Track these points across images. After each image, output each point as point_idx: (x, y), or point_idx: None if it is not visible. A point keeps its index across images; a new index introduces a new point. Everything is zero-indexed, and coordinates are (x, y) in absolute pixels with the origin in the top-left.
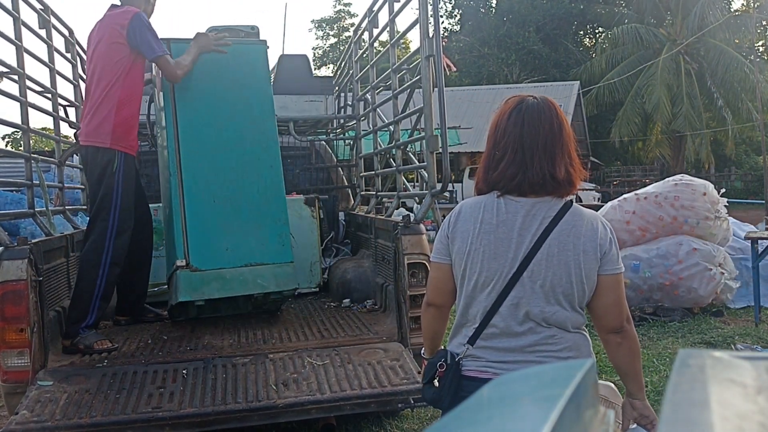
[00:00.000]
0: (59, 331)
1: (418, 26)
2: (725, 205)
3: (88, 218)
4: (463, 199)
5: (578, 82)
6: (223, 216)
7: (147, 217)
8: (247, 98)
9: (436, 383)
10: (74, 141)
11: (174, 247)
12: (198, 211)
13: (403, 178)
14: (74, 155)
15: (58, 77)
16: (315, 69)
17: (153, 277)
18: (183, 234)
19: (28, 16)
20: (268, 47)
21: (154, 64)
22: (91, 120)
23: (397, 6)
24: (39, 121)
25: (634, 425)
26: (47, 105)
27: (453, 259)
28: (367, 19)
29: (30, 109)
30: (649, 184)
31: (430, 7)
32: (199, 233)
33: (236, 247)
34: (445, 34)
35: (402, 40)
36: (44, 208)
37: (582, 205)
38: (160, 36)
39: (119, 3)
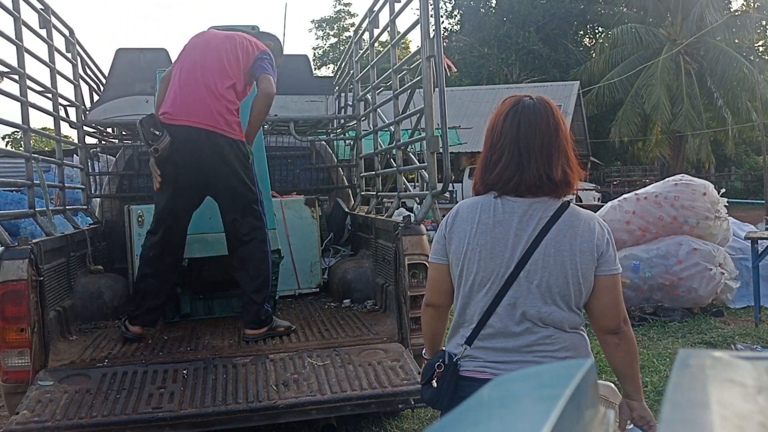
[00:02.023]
0: (60, 331)
1: (418, 27)
2: (725, 205)
3: (87, 218)
4: (462, 199)
5: (578, 82)
6: None
7: None
8: None
9: (434, 384)
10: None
11: None
12: None
13: (404, 178)
14: (74, 155)
15: (58, 77)
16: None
17: None
18: None
19: (29, 15)
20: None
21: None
22: (228, 113)
23: (397, 6)
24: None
25: (631, 426)
26: (48, 105)
27: (450, 260)
28: (367, 19)
29: (30, 109)
30: (649, 184)
31: (430, 8)
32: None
33: (218, 216)
34: (445, 34)
35: (402, 41)
36: (45, 208)
37: (582, 206)
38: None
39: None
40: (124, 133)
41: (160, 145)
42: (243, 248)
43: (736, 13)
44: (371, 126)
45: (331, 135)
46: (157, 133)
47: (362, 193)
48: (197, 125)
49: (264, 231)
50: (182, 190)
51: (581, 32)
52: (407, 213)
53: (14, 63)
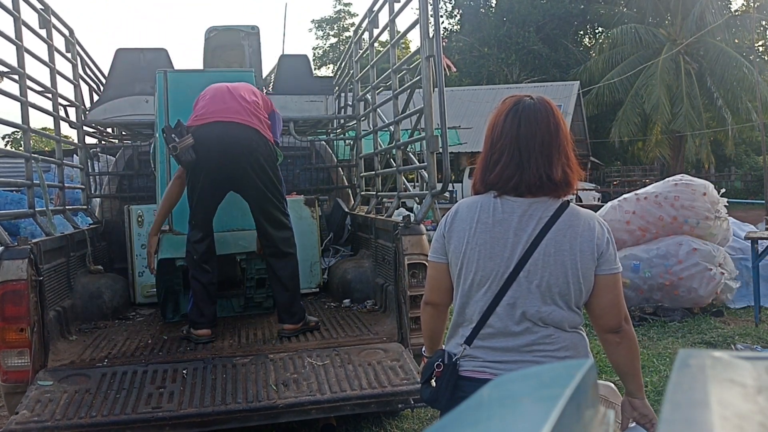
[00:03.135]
0: (59, 331)
1: (418, 26)
2: (725, 205)
3: (87, 218)
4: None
5: (578, 82)
6: None
7: None
8: None
9: (434, 383)
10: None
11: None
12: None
13: (404, 178)
14: (74, 155)
15: (58, 77)
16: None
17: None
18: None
19: (29, 15)
20: (255, 74)
21: None
22: (260, 114)
23: (397, 6)
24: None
25: (633, 424)
26: (48, 105)
27: (449, 259)
28: (367, 19)
29: (30, 109)
30: (649, 184)
31: (430, 8)
32: (181, 206)
33: (217, 216)
34: (445, 34)
35: (402, 41)
36: (44, 208)
37: (582, 205)
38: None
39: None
40: (123, 133)
41: (181, 144)
42: (275, 245)
43: (736, 13)
44: (371, 126)
45: (331, 135)
46: (174, 135)
47: (362, 193)
48: (230, 120)
49: (290, 228)
50: (213, 186)
51: (581, 32)
52: (407, 213)
53: (14, 63)
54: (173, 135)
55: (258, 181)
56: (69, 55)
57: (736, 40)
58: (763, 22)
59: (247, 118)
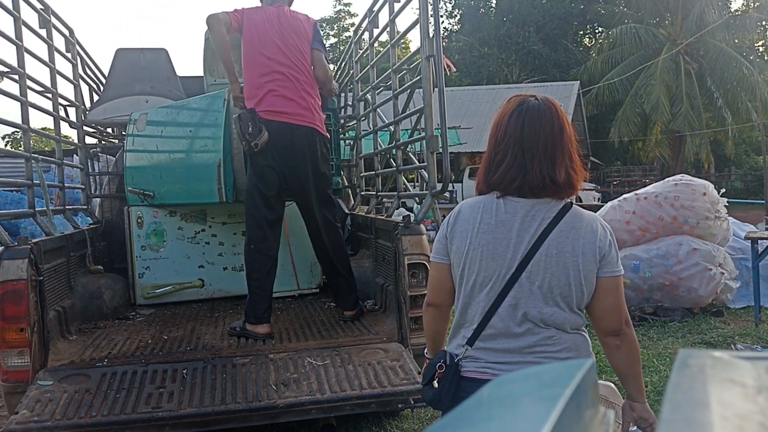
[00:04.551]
0: (59, 331)
1: (418, 26)
2: (725, 205)
3: (87, 218)
4: (463, 199)
5: (578, 82)
6: None
7: None
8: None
9: (436, 384)
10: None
11: None
12: None
13: (404, 178)
14: (74, 155)
15: (58, 77)
16: None
17: (155, 278)
18: None
19: (29, 15)
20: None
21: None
22: (318, 108)
23: (397, 6)
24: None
25: (634, 427)
26: (48, 105)
27: (452, 259)
28: (367, 19)
29: (30, 109)
30: (649, 184)
31: (430, 8)
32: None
33: None
34: (445, 34)
35: (402, 40)
36: (45, 208)
37: (582, 206)
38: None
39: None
40: (123, 133)
41: (260, 140)
42: (332, 241)
43: (736, 13)
44: (371, 126)
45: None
46: (251, 127)
47: (362, 193)
48: (298, 123)
49: (338, 221)
50: (279, 185)
51: (581, 32)
52: (407, 213)
53: (14, 63)
54: (249, 129)
55: (316, 176)
56: (69, 55)
57: (736, 40)
58: (763, 22)
59: (310, 119)
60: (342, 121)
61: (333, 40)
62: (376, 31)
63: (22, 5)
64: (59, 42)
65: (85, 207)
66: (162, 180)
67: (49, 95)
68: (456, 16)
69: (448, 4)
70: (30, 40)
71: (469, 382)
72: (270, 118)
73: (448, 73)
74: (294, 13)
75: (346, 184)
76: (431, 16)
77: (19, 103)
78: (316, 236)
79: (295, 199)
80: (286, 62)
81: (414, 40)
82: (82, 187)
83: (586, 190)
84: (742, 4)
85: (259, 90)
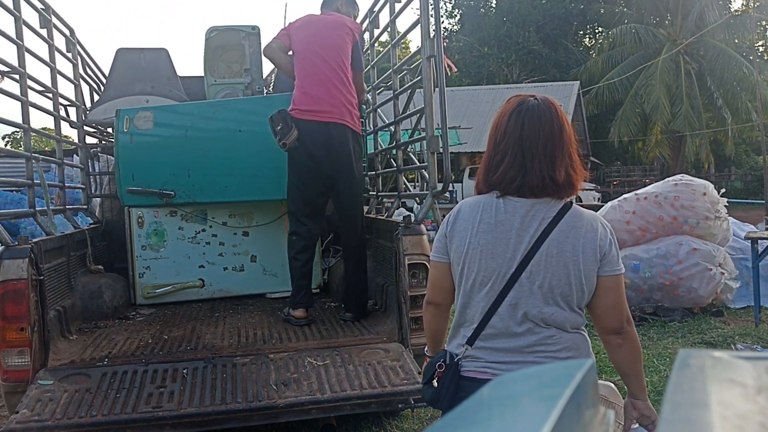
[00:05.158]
0: (60, 331)
1: (418, 27)
2: (725, 205)
3: (87, 218)
4: (463, 199)
5: (578, 82)
6: None
7: None
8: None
9: (435, 384)
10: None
11: None
12: None
13: (404, 178)
14: (74, 155)
15: (58, 77)
16: None
17: (155, 278)
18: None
19: (30, 15)
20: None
21: None
22: (353, 107)
23: (397, 6)
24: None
25: (636, 425)
26: (48, 105)
27: (451, 258)
28: (367, 19)
29: (31, 109)
30: (649, 184)
31: (431, 8)
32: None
33: None
34: (445, 34)
35: (402, 41)
36: (45, 208)
37: (582, 205)
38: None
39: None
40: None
41: (288, 139)
42: (353, 243)
43: (736, 13)
44: (371, 126)
45: None
46: (281, 127)
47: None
48: (328, 120)
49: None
50: (313, 180)
51: (581, 32)
52: (407, 213)
53: (15, 63)
54: (279, 128)
55: (347, 174)
56: (69, 54)
57: (736, 40)
58: (763, 22)
59: (341, 115)
60: None
61: None
62: (376, 32)
63: (23, 5)
64: (60, 42)
65: (85, 207)
66: (190, 179)
67: (50, 95)
68: (456, 16)
69: (448, 4)
70: (31, 40)
71: (469, 381)
72: (300, 117)
73: (449, 74)
74: (340, 17)
75: None
76: (431, 16)
77: (19, 103)
78: (343, 229)
79: (328, 194)
80: (318, 62)
81: (414, 40)
82: (83, 186)
83: (586, 190)
84: (742, 4)
85: (295, 91)
